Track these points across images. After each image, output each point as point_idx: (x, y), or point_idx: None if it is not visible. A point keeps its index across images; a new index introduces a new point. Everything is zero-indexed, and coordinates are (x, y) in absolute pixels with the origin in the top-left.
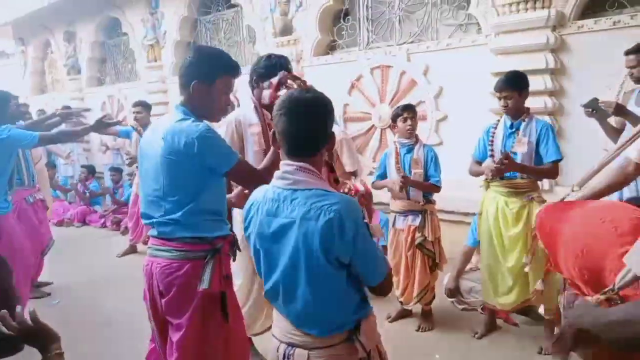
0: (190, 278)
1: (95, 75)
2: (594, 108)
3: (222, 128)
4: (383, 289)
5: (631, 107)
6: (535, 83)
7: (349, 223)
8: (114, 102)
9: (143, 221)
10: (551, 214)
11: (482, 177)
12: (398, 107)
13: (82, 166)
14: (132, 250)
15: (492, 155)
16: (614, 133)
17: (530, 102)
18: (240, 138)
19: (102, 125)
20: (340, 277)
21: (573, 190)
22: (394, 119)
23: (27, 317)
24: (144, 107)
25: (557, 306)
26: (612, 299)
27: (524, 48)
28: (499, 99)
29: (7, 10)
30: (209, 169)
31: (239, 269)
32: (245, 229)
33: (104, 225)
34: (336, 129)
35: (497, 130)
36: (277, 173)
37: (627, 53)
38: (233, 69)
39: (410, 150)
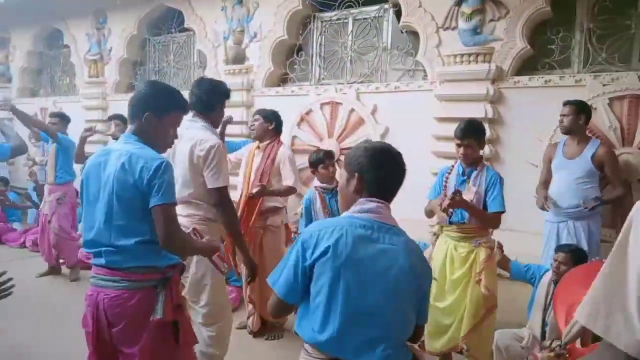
0: (142, 308)
1: (27, 86)
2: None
3: None
4: (422, 333)
5: (559, 157)
6: None
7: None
8: (46, 115)
9: (86, 250)
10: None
11: (433, 221)
12: (319, 153)
13: None
14: (53, 271)
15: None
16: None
17: None
18: None
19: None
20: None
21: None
22: (315, 164)
23: None
24: (61, 118)
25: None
26: (560, 354)
27: (465, 97)
28: (459, 146)
29: None
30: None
31: None
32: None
33: (23, 245)
34: (283, 147)
35: (451, 176)
36: (366, 206)
37: (565, 103)
38: (184, 107)
39: (334, 194)
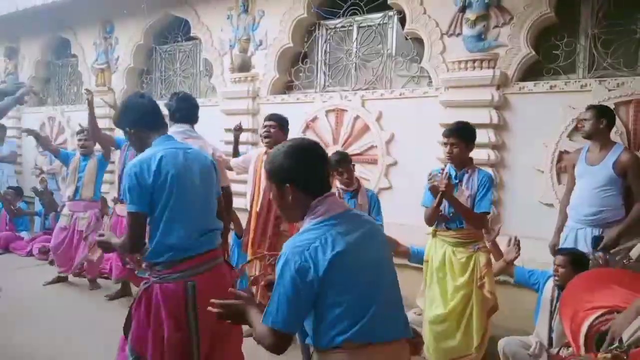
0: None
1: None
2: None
3: None
4: None
5: (581, 164)
6: (480, 136)
7: None
8: (54, 124)
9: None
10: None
11: (429, 228)
12: (331, 158)
13: (9, 187)
14: (61, 279)
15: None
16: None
17: (475, 154)
18: None
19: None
20: None
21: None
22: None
23: None
24: (87, 135)
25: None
26: (618, 356)
27: (470, 103)
28: (445, 144)
29: None
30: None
31: None
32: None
33: (29, 254)
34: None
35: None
36: (322, 208)
37: (587, 108)
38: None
39: (353, 196)
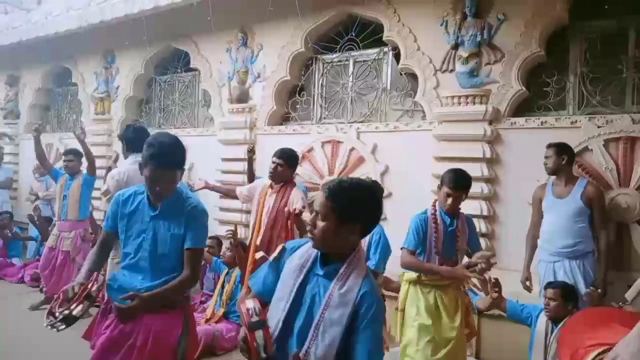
0: None
1: (35, 122)
2: None
3: None
4: None
5: (549, 197)
6: (473, 170)
7: None
8: (51, 151)
9: None
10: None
11: (404, 271)
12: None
13: (3, 212)
14: (47, 302)
15: (437, 252)
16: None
17: None
18: None
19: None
20: None
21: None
22: None
23: None
24: (75, 155)
25: None
26: None
27: (463, 137)
28: (449, 196)
29: None
30: None
31: None
32: None
33: (21, 280)
34: (295, 190)
35: (438, 226)
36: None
37: (547, 146)
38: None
39: None
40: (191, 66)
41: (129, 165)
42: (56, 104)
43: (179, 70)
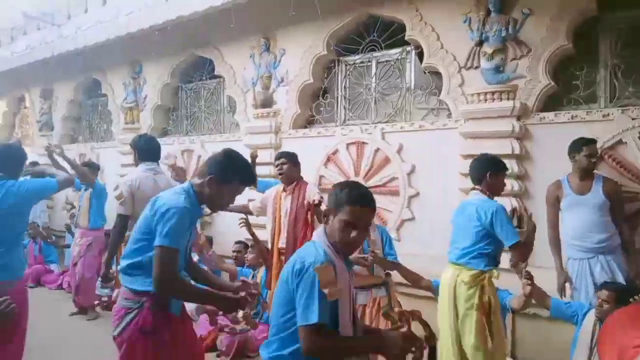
0: (118, 323)
1: (68, 133)
2: None
3: None
4: None
5: (570, 195)
6: None
7: None
8: (84, 160)
9: None
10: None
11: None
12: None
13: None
14: (82, 310)
15: None
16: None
17: None
18: None
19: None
20: None
21: None
22: None
23: None
24: (90, 167)
25: None
26: None
27: (491, 134)
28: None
29: None
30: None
31: None
32: None
33: (60, 287)
34: (309, 186)
35: None
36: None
37: (590, 143)
38: (248, 182)
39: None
40: (215, 73)
41: (140, 173)
42: (87, 115)
43: (204, 78)
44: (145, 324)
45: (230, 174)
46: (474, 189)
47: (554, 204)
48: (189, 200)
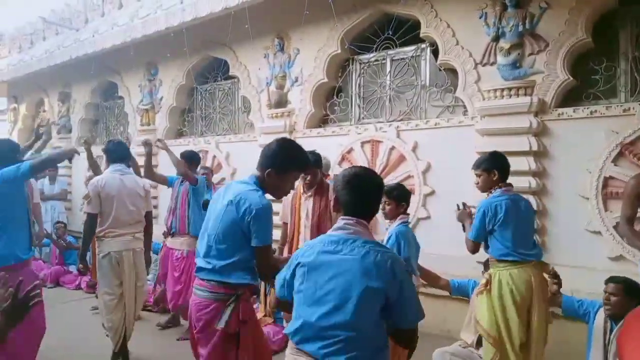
0: (213, 316)
1: (85, 136)
2: None
3: None
4: (412, 338)
5: None
6: (519, 164)
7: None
8: (102, 163)
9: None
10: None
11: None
12: None
13: (58, 222)
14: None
15: None
16: None
17: (515, 182)
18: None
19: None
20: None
21: None
22: None
23: None
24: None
25: None
26: None
27: (508, 130)
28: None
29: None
30: (250, 236)
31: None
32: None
33: (78, 287)
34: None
35: None
36: (338, 224)
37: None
38: (304, 167)
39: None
40: (230, 74)
41: (107, 174)
42: (104, 117)
43: (218, 79)
44: (245, 313)
45: (287, 164)
46: (509, 184)
47: (635, 198)
48: (262, 194)
